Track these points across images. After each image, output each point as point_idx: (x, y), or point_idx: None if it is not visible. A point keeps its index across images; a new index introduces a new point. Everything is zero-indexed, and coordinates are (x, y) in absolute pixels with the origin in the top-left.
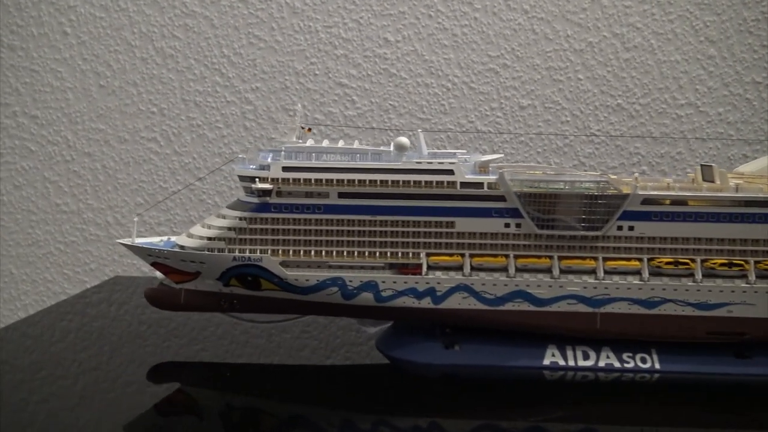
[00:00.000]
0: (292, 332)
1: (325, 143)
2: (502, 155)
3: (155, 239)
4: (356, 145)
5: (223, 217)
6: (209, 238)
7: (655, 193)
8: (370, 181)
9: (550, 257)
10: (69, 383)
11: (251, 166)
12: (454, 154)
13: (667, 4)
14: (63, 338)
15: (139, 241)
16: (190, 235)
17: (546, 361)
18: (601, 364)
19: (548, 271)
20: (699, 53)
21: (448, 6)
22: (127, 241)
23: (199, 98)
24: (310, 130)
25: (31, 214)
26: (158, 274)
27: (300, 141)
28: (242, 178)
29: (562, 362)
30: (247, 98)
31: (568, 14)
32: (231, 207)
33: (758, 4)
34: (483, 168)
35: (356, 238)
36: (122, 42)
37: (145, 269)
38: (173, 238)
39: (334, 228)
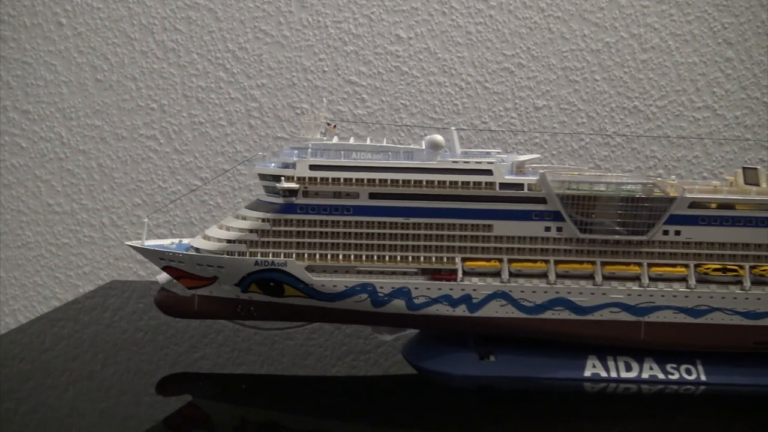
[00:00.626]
0: (297, 339)
1: (352, 141)
2: (539, 155)
3: (166, 242)
4: (384, 143)
5: (243, 218)
6: (229, 241)
7: (704, 196)
8: (404, 181)
9: (593, 263)
10: (59, 393)
11: (273, 165)
12: (489, 153)
13: (686, 5)
14: (54, 346)
15: (150, 243)
16: (207, 237)
17: (587, 373)
18: (645, 375)
19: (590, 277)
20: (717, 55)
21: (463, 3)
22: (136, 243)
23: (202, 94)
24: (335, 126)
25: (21, 214)
26: (159, 278)
27: (325, 138)
28: (264, 176)
29: (603, 374)
30: (252, 95)
31: (585, 13)
32: (251, 207)
33: None
34: (520, 168)
35: (387, 242)
36: (121, 34)
37: (143, 273)
38: (185, 241)
39: (364, 231)
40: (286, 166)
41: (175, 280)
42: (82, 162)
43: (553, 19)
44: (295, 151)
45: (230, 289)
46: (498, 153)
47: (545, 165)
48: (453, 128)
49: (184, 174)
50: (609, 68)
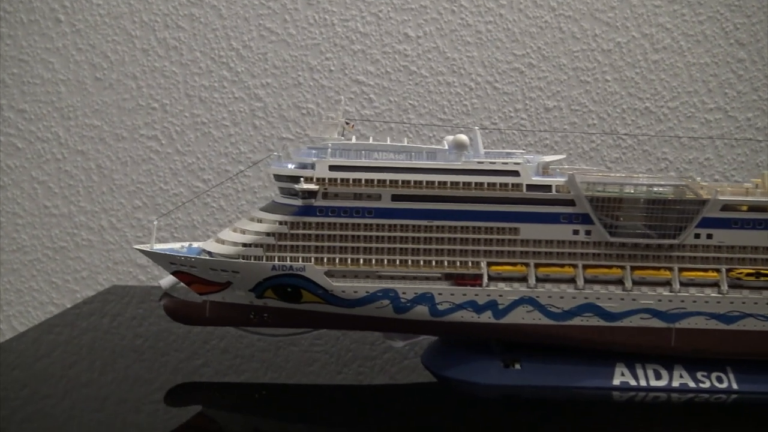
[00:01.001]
0: (301, 345)
1: (371, 141)
2: (564, 156)
3: (175, 245)
4: (405, 142)
5: (259, 220)
6: (245, 245)
7: (737, 198)
8: (428, 182)
9: (622, 267)
10: (56, 401)
11: (290, 165)
12: (512, 154)
13: (698, 5)
14: (49, 353)
15: (159, 247)
16: (221, 241)
17: (616, 381)
18: (675, 384)
19: (620, 282)
20: (729, 56)
21: (472, 1)
22: (145, 247)
23: (205, 94)
24: (353, 125)
25: (16, 217)
26: (162, 282)
27: (343, 138)
28: (280, 177)
29: (633, 382)
30: (256, 94)
31: (596, 12)
32: (267, 210)
33: None
34: (545, 170)
35: (410, 246)
36: (121, 31)
37: (143, 278)
38: (196, 244)
39: (386, 234)
40: (304, 166)
41: (182, 285)
42: (80, 163)
43: (564, 18)
44: (313, 151)
45: (244, 295)
46: (522, 153)
47: (567, 167)
48: (477, 128)
49: (186, 176)
50: (620, 69)
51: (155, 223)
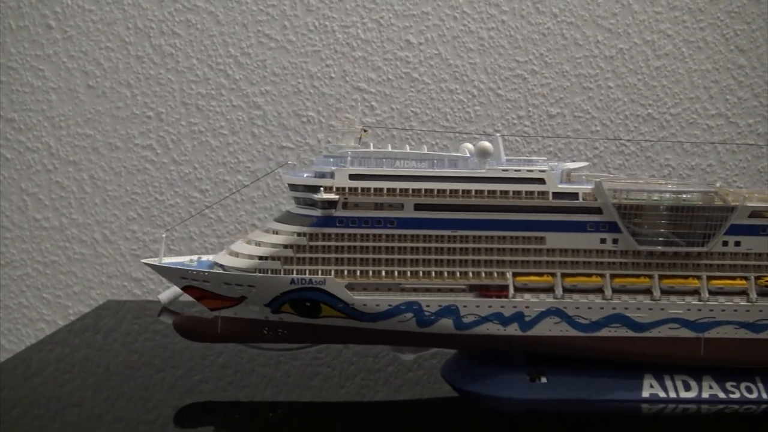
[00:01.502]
0: (302, 359)
1: (389, 149)
2: (588, 163)
3: (184, 259)
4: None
5: (275, 232)
6: (261, 257)
7: (765, 205)
8: (452, 190)
9: (650, 276)
10: (46, 423)
11: (306, 174)
12: (533, 161)
13: (698, 12)
14: (40, 371)
15: (167, 261)
16: (235, 254)
17: (645, 393)
18: (705, 395)
19: (647, 292)
20: (729, 62)
21: (474, 8)
22: (153, 261)
23: (202, 102)
24: (367, 132)
25: (5, 230)
26: (161, 297)
27: (360, 146)
28: (296, 187)
29: (662, 394)
30: (255, 102)
31: (598, 19)
32: (282, 221)
33: None
34: (569, 177)
35: (433, 257)
36: (115, 38)
37: (138, 292)
38: (205, 257)
39: (409, 245)
40: (322, 175)
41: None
42: (72, 174)
43: (566, 24)
44: (331, 160)
45: (259, 310)
46: (543, 160)
47: (587, 174)
48: (498, 135)
49: (182, 186)
50: (623, 75)
51: (164, 236)
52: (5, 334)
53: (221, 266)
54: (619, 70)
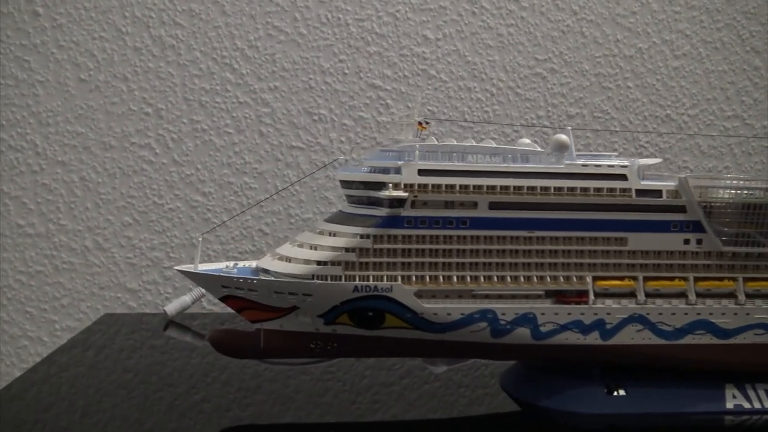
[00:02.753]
0: (312, 374)
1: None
2: (661, 160)
3: (219, 265)
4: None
5: (333, 234)
6: (319, 263)
7: None
8: (529, 188)
9: (734, 279)
10: None
11: (365, 170)
12: (605, 156)
13: (715, 12)
14: (22, 394)
15: (203, 268)
16: (285, 258)
17: (729, 405)
18: None
19: (732, 296)
20: (745, 63)
21: (494, 3)
22: (188, 267)
23: (205, 98)
24: (427, 125)
25: None
26: (168, 308)
27: (418, 140)
28: (351, 184)
29: (746, 405)
30: (263, 99)
31: (618, 17)
32: (338, 221)
33: None
34: (644, 174)
35: (509, 260)
36: (110, 27)
37: (133, 304)
38: (242, 264)
39: (483, 247)
40: (384, 171)
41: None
42: (60, 175)
43: (585, 22)
44: (389, 154)
45: (310, 322)
46: (613, 156)
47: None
48: (569, 127)
49: (183, 188)
50: (642, 75)
51: (200, 239)
52: None
53: (266, 272)
54: (638, 70)
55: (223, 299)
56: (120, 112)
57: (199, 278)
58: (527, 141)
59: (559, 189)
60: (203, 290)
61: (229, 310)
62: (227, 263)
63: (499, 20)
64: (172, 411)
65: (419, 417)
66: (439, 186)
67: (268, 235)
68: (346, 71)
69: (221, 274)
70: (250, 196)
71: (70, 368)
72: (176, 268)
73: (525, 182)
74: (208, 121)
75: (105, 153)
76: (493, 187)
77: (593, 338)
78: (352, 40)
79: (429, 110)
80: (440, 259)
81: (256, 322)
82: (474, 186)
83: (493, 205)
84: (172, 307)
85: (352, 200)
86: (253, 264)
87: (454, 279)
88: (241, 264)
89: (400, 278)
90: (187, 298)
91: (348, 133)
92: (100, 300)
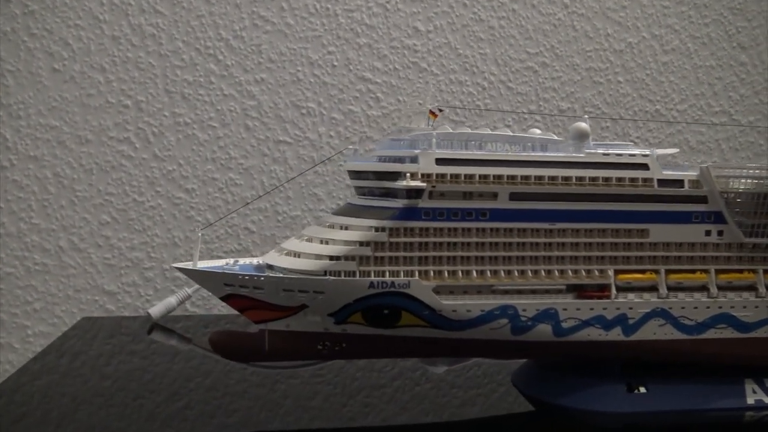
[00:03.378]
0: (301, 377)
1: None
2: (678, 150)
3: (218, 263)
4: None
5: (345, 227)
6: (332, 257)
7: None
8: (550, 177)
9: (754, 271)
10: None
11: (377, 159)
12: (623, 145)
13: (703, 7)
14: None
15: (203, 265)
16: (294, 254)
17: (749, 400)
18: None
19: (752, 288)
20: (732, 59)
21: None
22: (186, 265)
23: (188, 90)
24: (439, 112)
25: None
26: (152, 312)
27: (431, 128)
28: (362, 174)
29: (767, 399)
30: (249, 92)
31: (608, 11)
32: (349, 214)
33: None
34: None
35: (530, 253)
36: (86, 14)
37: (111, 307)
38: (242, 261)
39: (503, 240)
40: (399, 160)
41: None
42: (32, 171)
43: (576, 16)
44: (401, 143)
45: (320, 321)
46: (630, 145)
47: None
48: (586, 116)
49: (165, 185)
50: (632, 70)
51: (200, 234)
52: None
53: (273, 269)
54: (629, 65)
55: (226, 298)
56: (97, 105)
57: (199, 276)
58: (538, 131)
59: (580, 179)
60: (189, 291)
61: (215, 312)
62: (227, 260)
63: (491, 12)
64: (153, 420)
65: (411, 420)
66: (458, 176)
67: (255, 234)
68: (335, 63)
69: (223, 271)
70: (236, 192)
71: (43, 376)
72: (174, 265)
73: (546, 172)
74: (191, 115)
75: (81, 148)
76: (514, 177)
77: (615, 334)
78: (341, 31)
79: (420, 104)
80: (459, 253)
81: (260, 323)
82: (494, 176)
83: (513, 196)
84: (156, 310)
85: (363, 191)
86: (255, 261)
87: (474, 274)
88: (242, 261)
89: (417, 273)
90: (172, 300)
91: (337, 128)
92: (76, 303)
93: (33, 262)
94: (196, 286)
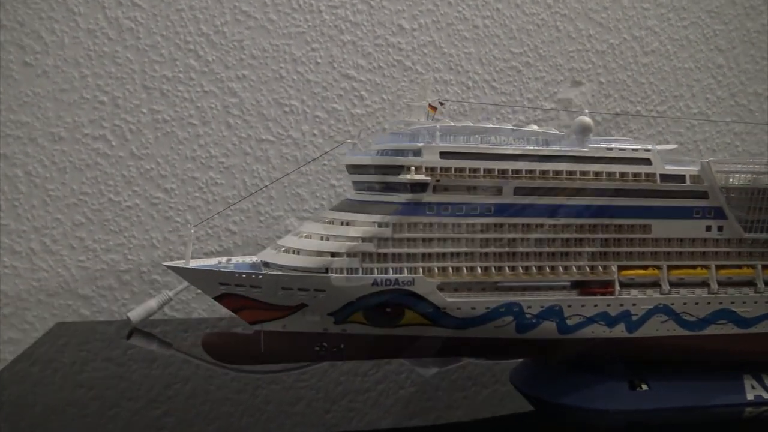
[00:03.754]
0: (283, 383)
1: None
2: (677, 145)
3: (210, 261)
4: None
5: (346, 223)
6: (334, 254)
7: None
8: (555, 172)
9: (753, 267)
10: None
11: (377, 152)
12: (622, 140)
13: (681, 9)
14: None
15: (196, 264)
16: (292, 251)
17: (749, 396)
18: None
19: (751, 283)
20: (710, 62)
21: None
22: (178, 263)
23: (167, 86)
24: (441, 105)
25: None
26: (132, 316)
27: (431, 122)
28: (363, 169)
29: (766, 395)
30: (230, 88)
31: (590, 12)
32: (350, 209)
33: (760, 15)
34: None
35: (534, 249)
36: (60, 6)
37: (85, 312)
38: (236, 259)
39: (507, 235)
40: (400, 153)
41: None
42: (2, 169)
43: (559, 16)
44: (402, 136)
45: (319, 321)
46: (629, 140)
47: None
48: (587, 111)
49: (143, 184)
50: (613, 71)
51: (192, 231)
52: None
53: (269, 267)
54: (610, 66)
55: (220, 298)
56: (71, 101)
57: (192, 275)
58: (536, 127)
59: (584, 173)
60: (170, 294)
61: (195, 315)
62: (220, 259)
63: (475, 11)
64: (130, 428)
65: (396, 425)
66: (462, 170)
67: (236, 234)
68: (319, 60)
69: (217, 269)
70: (216, 192)
71: (13, 386)
72: (165, 263)
73: (551, 166)
74: (170, 112)
75: (53, 145)
76: (519, 172)
77: (619, 330)
78: (325, 27)
79: (405, 103)
80: (463, 249)
81: (255, 324)
82: (499, 170)
83: (518, 191)
84: (136, 314)
85: (362, 187)
86: (249, 259)
87: (478, 270)
88: (235, 259)
89: (420, 270)
90: (152, 303)
91: (321, 126)
92: (48, 308)
93: (2, 265)
94: (177, 288)
